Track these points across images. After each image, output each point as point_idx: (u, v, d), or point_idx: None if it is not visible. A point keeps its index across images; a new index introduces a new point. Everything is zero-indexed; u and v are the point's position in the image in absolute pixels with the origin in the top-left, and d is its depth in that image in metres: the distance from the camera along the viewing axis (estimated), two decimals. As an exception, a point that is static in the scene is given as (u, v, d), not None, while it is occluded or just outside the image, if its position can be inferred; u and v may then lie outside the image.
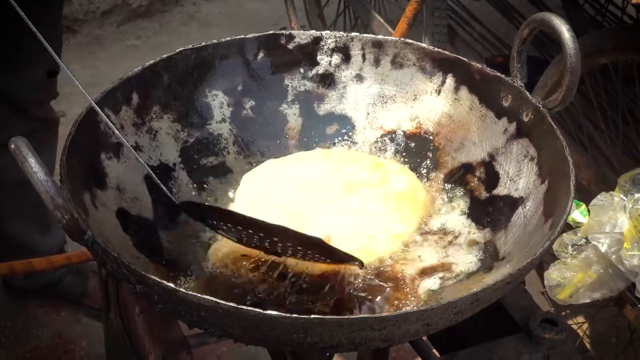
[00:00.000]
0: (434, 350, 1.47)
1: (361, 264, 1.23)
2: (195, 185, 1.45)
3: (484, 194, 1.41)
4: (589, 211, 1.90)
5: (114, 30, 3.50)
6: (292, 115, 1.55)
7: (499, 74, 1.43)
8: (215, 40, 1.51)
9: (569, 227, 1.97)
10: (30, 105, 2.23)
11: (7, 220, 2.35)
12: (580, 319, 2.41)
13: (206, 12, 3.72)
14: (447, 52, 1.51)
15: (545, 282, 1.98)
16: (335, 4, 3.25)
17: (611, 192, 1.89)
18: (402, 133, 1.54)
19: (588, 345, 2.39)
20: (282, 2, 3.62)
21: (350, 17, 3.17)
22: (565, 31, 1.29)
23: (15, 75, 2.14)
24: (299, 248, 1.23)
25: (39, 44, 2.05)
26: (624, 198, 1.85)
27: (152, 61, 1.46)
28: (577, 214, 1.96)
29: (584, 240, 1.93)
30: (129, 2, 3.54)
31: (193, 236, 1.38)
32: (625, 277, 1.85)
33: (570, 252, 1.95)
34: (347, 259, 1.21)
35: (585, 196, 1.93)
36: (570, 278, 1.92)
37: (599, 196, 1.88)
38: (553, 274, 1.94)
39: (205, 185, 1.46)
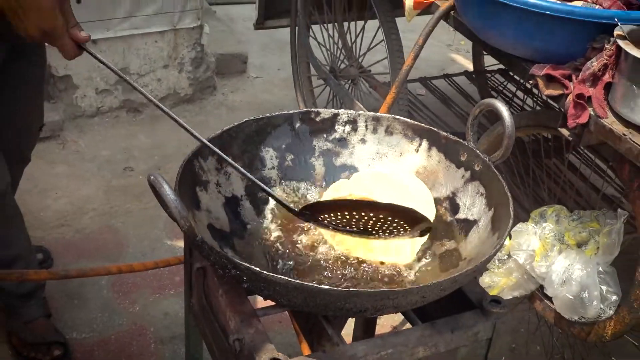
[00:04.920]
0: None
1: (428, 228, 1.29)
2: (254, 210, 1.48)
3: (449, 218, 1.47)
4: (510, 236, 1.92)
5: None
6: (318, 165, 1.58)
7: (459, 139, 1.49)
8: (268, 114, 1.54)
9: None
10: (25, 151, 2.20)
11: None
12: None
13: (232, 100, 3.75)
14: (423, 125, 1.55)
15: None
16: (326, 94, 3.31)
17: (526, 222, 1.93)
18: (392, 178, 1.59)
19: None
20: (284, 95, 3.78)
21: (337, 104, 3.24)
22: (505, 111, 1.39)
23: (19, 131, 2.09)
24: (380, 218, 1.27)
25: (34, 102, 2.06)
26: (535, 226, 1.90)
27: (227, 127, 1.49)
28: None
29: (507, 256, 1.95)
30: (178, 92, 3.61)
31: (254, 243, 1.43)
32: (535, 280, 1.88)
33: (497, 264, 1.97)
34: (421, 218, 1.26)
35: None
36: (497, 281, 1.94)
37: (517, 225, 1.92)
38: (485, 278, 1.96)
39: (261, 211, 1.49)
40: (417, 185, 1.50)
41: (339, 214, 1.29)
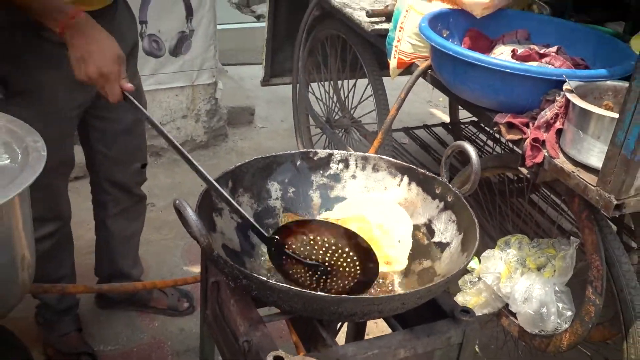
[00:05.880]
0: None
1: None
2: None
3: (426, 241, 1.51)
4: (480, 260, 1.96)
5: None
6: (315, 197, 1.61)
7: (434, 175, 1.54)
8: (274, 153, 1.58)
9: (467, 272, 2.00)
10: (133, 186, 2.23)
11: (121, 261, 2.34)
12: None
13: (241, 147, 3.80)
14: (404, 163, 1.59)
15: (454, 304, 2.06)
16: (322, 141, 3.36)
17: (493, 249, 1.95)
18: (378, 208, 1.61)
19: (477, 349, 2.41)
20: (287, 143, 3.83)
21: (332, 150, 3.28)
22: (472, 151, 1.45)
23: (125, 168, 2.16)
24: (343, 247, 1.31)
25: (135, 144, 2.15)
26: (501, 253, 1.92)
27: (239, 163, 1.52)
28: (473, 263, 1.98)
29: (477, 278, 1.97)
30: (195, 139, 3.65)
31: (260, 260, 1.46)
32: (502, 299, 1.90)
33: (469, 286, 1.99)
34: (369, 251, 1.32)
35: (477, 253, 2.01)
36: (469, 300, 1.96)
37: (486, 251, 1.95)
38: (459, 298, 1.98)
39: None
40: (397, 209, 1.56)
41: (305, 237, 1.34)
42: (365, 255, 1.34)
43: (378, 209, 1.55)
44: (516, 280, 1.85)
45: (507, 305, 1.90)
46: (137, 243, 2.41)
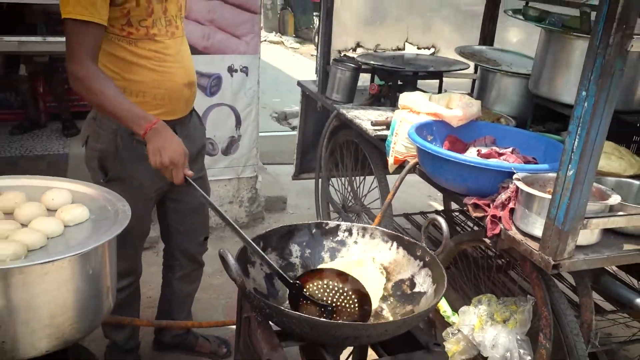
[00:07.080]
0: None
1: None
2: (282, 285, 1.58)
3: (409, 291, 1.61)
4: (458, 315, 2.02)
5: (229, 234, 3.65)
6: (326, 257, 1.70)
7: (416, 241, 1.66)
8: (295, 223, 1.71)
9: (447, 325, 2.06)
10: (197, 255, 2.37)
11: (178, 314, 2.43)
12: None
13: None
14: (394, 232, 1.71)
15: (438, 352, 2.11)
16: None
17: (469, 306, 2.01)
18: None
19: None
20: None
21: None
22: (443, 222, 1.58)
23: (192, 240, 2.31)
24: (347, 290, 1.44)
25: (200, 222, 2.32)
26: (475, 308, 1.98)
27: (269, 229, 1.66)
28: (454, 317, 2.05)
29: (457, 330, 2.02)
30: (238, 221, 3.78)
31: (282, 301, 1.57)
32: (476, 347, 1.95)
33: (450, 336, 2.03)
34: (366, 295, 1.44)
35: (457, 309, 2.07)
36: (450, 348, 2.00)
37: (462, 307, 2.01)
38: None
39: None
40: (374, 271, 1.69)
41: (321, 281, 1.48)
42: (363, 299, 1.47)
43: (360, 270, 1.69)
44: (486, 330, 1.92)
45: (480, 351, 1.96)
46: (192, 301, 2.53)
